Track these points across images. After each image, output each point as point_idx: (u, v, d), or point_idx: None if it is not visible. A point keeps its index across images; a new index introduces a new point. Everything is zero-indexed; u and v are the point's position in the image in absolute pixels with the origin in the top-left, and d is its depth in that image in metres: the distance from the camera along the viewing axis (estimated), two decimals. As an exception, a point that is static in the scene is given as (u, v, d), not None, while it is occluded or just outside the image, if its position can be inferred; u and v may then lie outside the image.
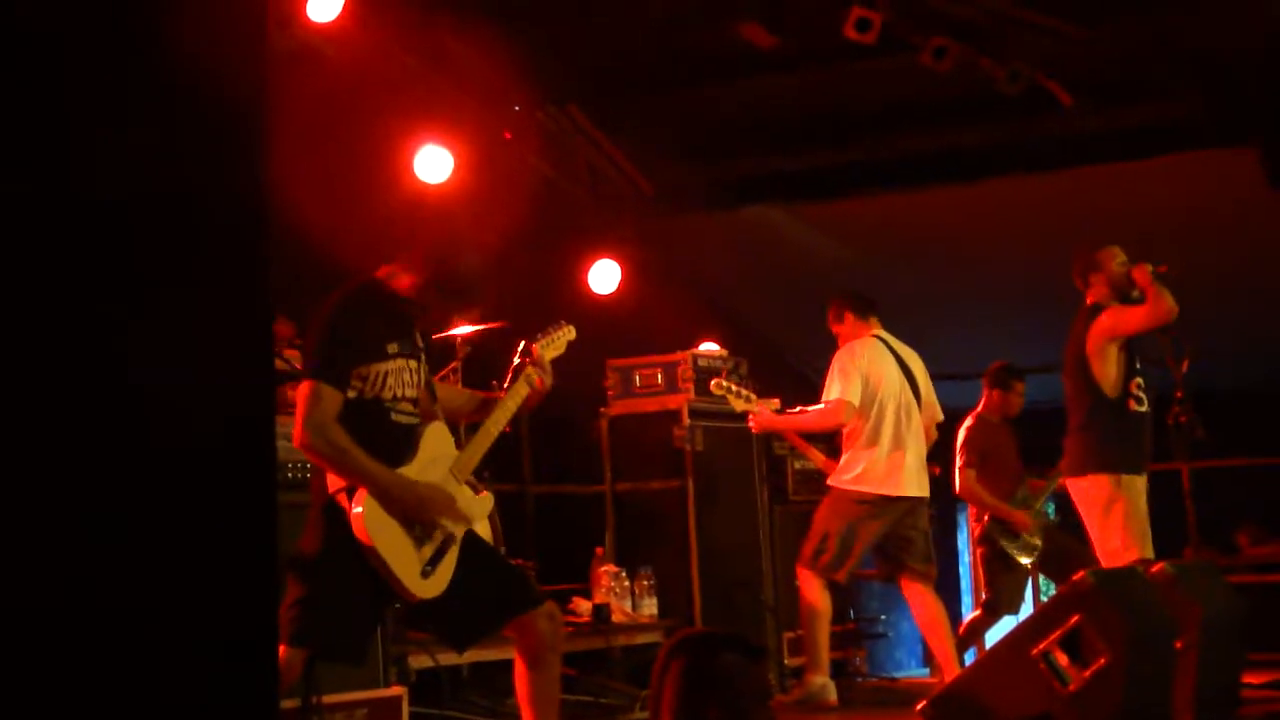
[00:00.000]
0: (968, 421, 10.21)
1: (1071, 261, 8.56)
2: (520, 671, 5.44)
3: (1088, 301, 8.40)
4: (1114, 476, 8.00)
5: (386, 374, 5.23)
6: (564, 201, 11.18)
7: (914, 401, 8.92)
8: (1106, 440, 8.10)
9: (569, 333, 6.10)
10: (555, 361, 5.98)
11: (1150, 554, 8.02)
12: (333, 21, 8.19)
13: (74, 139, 2.44)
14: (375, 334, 5.26)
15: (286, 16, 7.99)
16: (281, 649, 4.95)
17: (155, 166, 2.54)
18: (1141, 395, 8.22)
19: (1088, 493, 8.08)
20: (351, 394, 5.15)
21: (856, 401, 8.73)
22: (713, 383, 9.23)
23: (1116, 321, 8.14)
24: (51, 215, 2.41)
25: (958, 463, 10.08)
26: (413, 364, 5.37)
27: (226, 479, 2.61)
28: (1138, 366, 8.24)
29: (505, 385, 5.85)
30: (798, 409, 9.55)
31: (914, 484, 8.81)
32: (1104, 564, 7.81)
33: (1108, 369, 8.11)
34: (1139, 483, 8.15)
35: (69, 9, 2.46)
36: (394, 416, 5.27)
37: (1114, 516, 7.94)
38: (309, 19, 8.12)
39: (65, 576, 2.37)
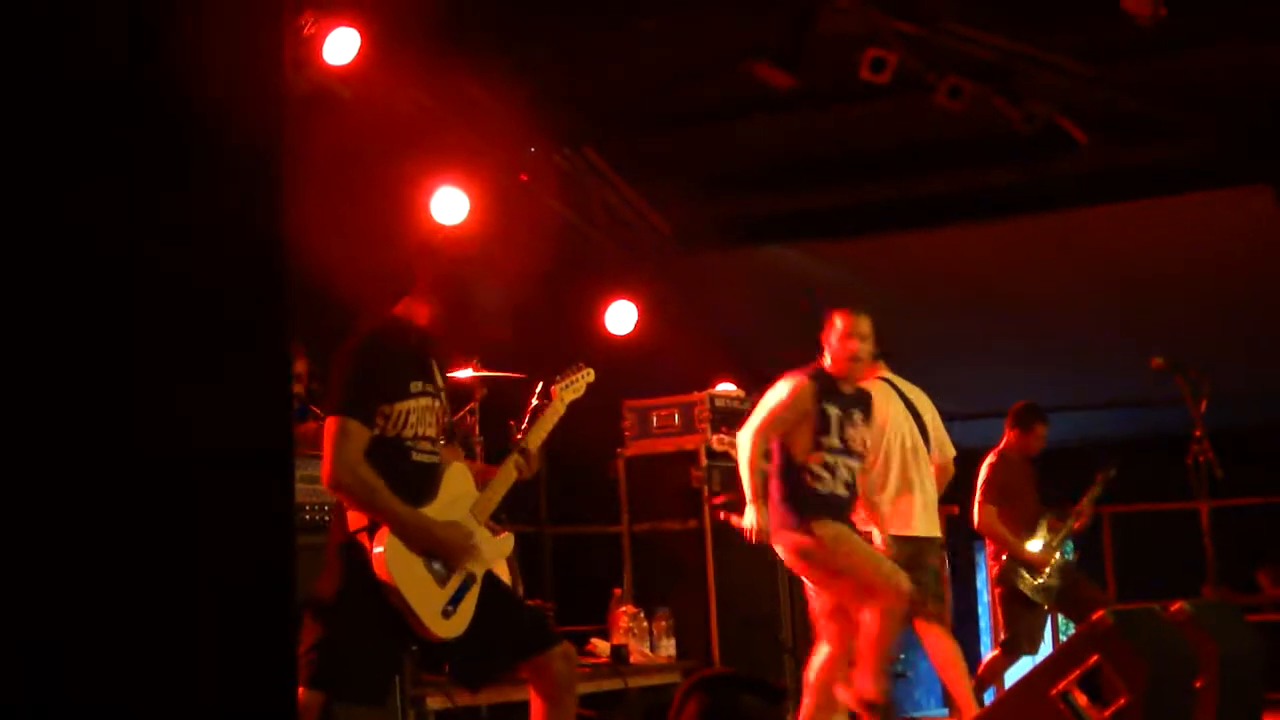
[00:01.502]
0: (990, 459, 10.19)
1: None
2: (537, 712, 5.43)
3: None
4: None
5: (409, 412, 5.24)
6: (580, 242, 11.20)
7: (922, 443, 8.90)
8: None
9: (588, 375, 6.10)
10: (572, 403, 5.99)
11: None
12: (349, 64, 8.22)
13: (93, 184, 2.46)
14: (398, 371, 5.27)
15: (303, 59, 8.02)
16: (299, 692, 4.94)
17: (172, 208, 2.55)
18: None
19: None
20: (374, 431, 5.15)
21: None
22: (714, 439, 9.22)
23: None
24: (72, 257, 2.42)
25: (978, 499, 10.07)
26: (435, 403, 5.38)
27: (244, 518, 2.61)
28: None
29: (523, 426, 5.85)
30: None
31: (922, 524, 8.79)
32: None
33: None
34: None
35: (84, 51, 2.48)
36: (414, 456, 5.27)
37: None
38: (325, 62, 8.15)
39: (82, 617, 2.37)
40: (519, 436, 5.85)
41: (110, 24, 2.53)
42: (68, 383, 2.39)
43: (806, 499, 7.74)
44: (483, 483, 5.76)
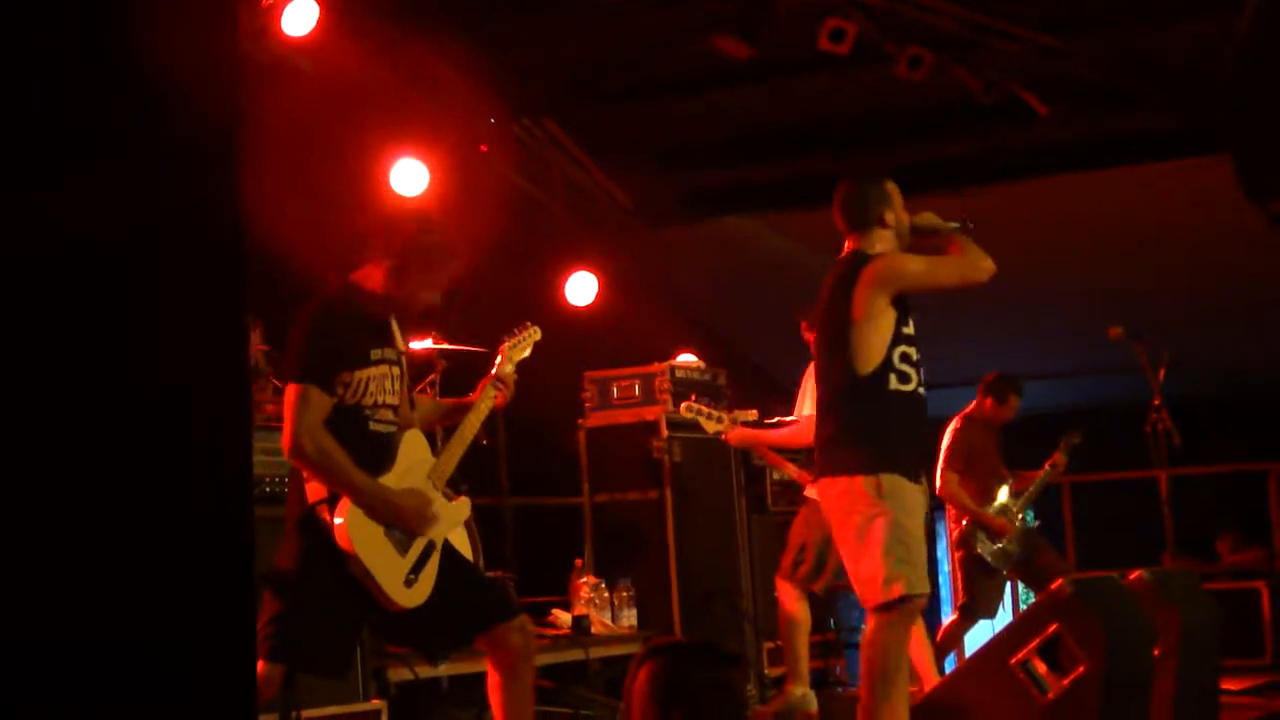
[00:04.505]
0: (954, 423, 10.19)
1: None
2: (494, 683, 5.43)
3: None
4: None
5: (369, 380, 5.22)
6: (540, 214, 11.18)
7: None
8: None
9: (534, 334, 6.12)
10: (528, 372, 6.00)
11: None
12: (308, 35, 8.18)
13: (43, 158, 2.44)
14: (358, 339, 5.25)
15: (261, 29, 7.98)
16: (260, 665, 4.94)
17: (127, 182, 2.53)
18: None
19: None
20: (334, 400, 5.14)
21: None
22: (682, 406, 9.17)
23: None
24: (25, 233, 2.40)
25: (941, 465, 10.08)
26: (395, 370, 5.36)
27: (202, 492, 2.60)
28: None
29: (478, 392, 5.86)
30: (776, 420, 9.56)
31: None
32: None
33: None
34: None
35: (34, 22, 2.46)
36: (372, 425, 5.26)
37: None
38: (284, 33, 8.10)
39: (35, 591, 2.36)
40: (499, 349, 5.90)
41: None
42: (17, 357, 2.38)
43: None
44: (454, 407, 5.78)
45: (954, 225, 6.42)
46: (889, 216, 6.43)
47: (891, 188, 6.53)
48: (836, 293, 6.31)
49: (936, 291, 6.50)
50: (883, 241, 6.40)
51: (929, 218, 6.45)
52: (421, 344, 8.26)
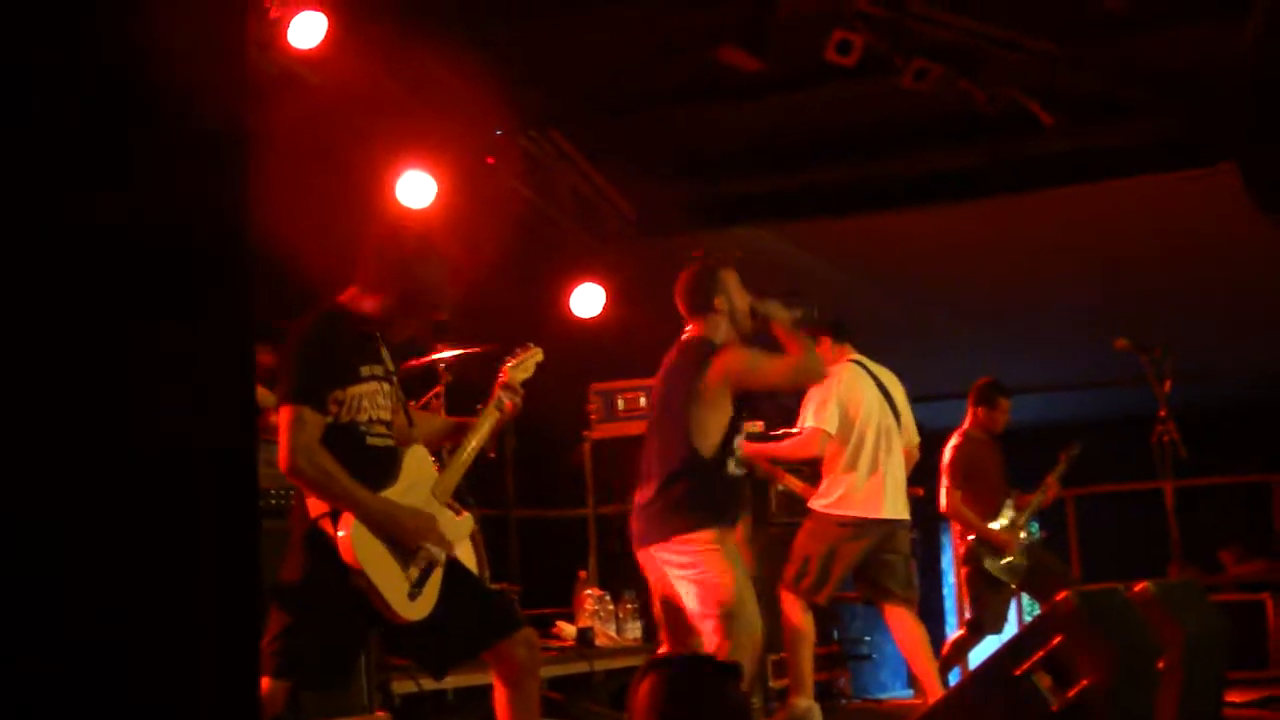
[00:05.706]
0: (954, 440, 10.21)
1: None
2: (499, 696, 5.44)
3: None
4: None
5: (360, 397, 5.25)
6: (547, 225, 11.19)
7: (894, 425, 8.93)
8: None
9: (536, 355, 6.16)
10: (534, 385, 6.02)
11: None
12: (315, 48, 8.18)
13: (50, 169, 2.44)
14: (346, 357, 5.28)
15: (268, 41, 7.98)
16: (265, 681, 4.95)
17: (135, 192, 2.54)
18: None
19: None
20: (328, 418, 5.16)
21: (832, 430, 8.75)
22: None
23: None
24: (31, 241, 2.41)
25: (944, 482, 10.09)
26: (385, 387, 5.39)
27: (208, 506, 2.60)
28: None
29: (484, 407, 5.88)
30: (781, 432, 9.57)
31: (893, 506, 8.82)
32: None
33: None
34: None
35: (45, 32, 2.47)
36: (369, 440, 5.28)
37: None
38: (291, 45, 8.11)
39: (41, 605, 2.36)
40: (502, 369, 5.94)
41: (73, 6, 2.52)
42: (19, 364, 2.39)
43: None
44: (458, 425, 5.83)
45: (797, 314, 6.97)
46: (719, 302, 7.01)
47: (726, 274, 7.09)
48: (685, 372, 6.90)
49: (769, 390, 7.39)
50: (719, 325, 7.01)
51: (773, 308, 7.00)
52: (428, 356, 8.27)
